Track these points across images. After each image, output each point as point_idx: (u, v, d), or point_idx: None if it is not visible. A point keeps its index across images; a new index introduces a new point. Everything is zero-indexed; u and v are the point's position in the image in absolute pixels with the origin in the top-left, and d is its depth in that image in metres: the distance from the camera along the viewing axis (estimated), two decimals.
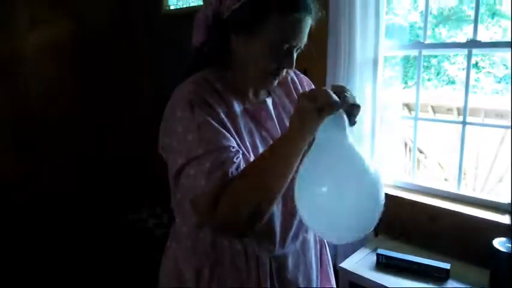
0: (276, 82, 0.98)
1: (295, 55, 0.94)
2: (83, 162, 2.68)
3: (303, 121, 0.81)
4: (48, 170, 2.54)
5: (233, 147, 0.88)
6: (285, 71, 0.97)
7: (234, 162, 0.86)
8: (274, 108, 1.06)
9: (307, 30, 0.92)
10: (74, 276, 2.35)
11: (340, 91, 0.82)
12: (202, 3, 2.43)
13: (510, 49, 1.61)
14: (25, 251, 2.38)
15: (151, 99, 2.84)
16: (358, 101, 0.86)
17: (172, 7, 2.68)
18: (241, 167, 0.87)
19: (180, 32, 2.61)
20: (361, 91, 1.84)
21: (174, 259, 1.07)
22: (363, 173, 0.79)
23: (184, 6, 2.61)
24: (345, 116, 0.81)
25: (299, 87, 1.14)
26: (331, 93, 0.79)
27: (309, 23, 0.92)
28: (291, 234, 1.03)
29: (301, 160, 0.84)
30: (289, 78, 1.13)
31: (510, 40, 1.60)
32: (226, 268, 0.99)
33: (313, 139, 0.83)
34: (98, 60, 2.69)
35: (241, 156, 0.89)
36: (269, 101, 1.05)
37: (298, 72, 1.17)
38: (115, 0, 2.74)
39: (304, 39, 0.93)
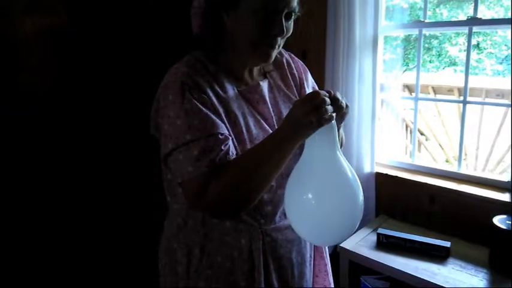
0: (272, 54, 0.97)
1: (286, 22, 0.92)
2: (85, 153, 2.68)
3: (296, 129, 0.83)
4: (51, 162, 2.55)
5: (221, 134, 0.89)
6: (280, 41, 0.95)
7: (222, 150, 0.88)
8: (269, 91, 1.06)
9: None
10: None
11: (334, 98, 0.84)
12: None
13: (511, 27, 1.60)
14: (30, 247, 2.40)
15: (150, 82, 2.83)
16: (347, 103, 0.89)
17: None
18: (230, 154, 0.89)
19: (177, 16, 2.59)
20: (360, 72, 1.83)
21: (168, 237, 1.09)
22: (347, 184, 0.85)
23: None
24: (335, 127, 0.85)
25: (294, 71, 1.14)
26: (328, 103, 0.81)
27: None
28: (282, 209, 1.03)
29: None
30: (284, 61, 1.13)
31: (511, 17, 1.59)
32: (216, 244, 1.00)
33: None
34: (96, 47, 2.67)
35: (230, 142, 0.90)
36: (264, 84, 1.05)
37: (293, 55, 1.17)
38: None
39: (292, 4, 0.92)
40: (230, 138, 0.91)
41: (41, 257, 2.39)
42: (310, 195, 0.83)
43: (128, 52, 2.78)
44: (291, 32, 0.96)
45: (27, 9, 2.41)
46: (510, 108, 1.68)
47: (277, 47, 0.96)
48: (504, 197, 1.63)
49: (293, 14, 0.94)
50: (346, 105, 0.89)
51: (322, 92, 0.82)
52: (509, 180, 1.68)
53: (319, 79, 1.81)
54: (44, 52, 2.51)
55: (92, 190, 2.54)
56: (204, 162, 0.86)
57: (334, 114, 0.82)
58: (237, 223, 0.99)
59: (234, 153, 0.91)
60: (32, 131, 2.48)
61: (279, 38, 0.94)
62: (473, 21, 1.69)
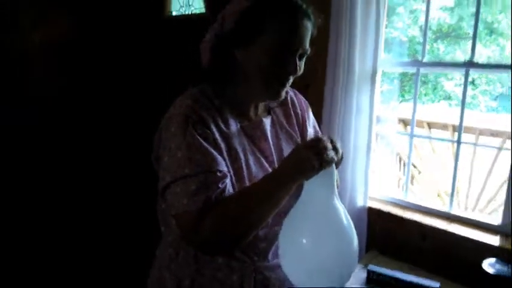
0: (283, 93, 0.99)
1: (299, 61, 0.95)
2: (90, 160, 2.68)
3: (298, 171, 0.85)
4: (54, 169, 2.53)
5: (220, 171, 0.90)
6: (291, 78, 0.98)
7: (219, 188, 0.88)
8: (272, 127, 1.07)
9: (307, 35, 0.94)
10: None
11: (334, 146, 0.88)
12: (204, 11, 2.45)
13: (509, 70, 1.63)
14: (36, 253, 2.37)
15: (152, 102, 2.85)
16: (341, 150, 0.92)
17: (175, 13, 2.69)
18: (227, 192, 0.90)
19: (182, 38, 2.62)
20: (358, 105, 1.84)
21: (158, 266, 1.08)
22: (342, 231, 0.86)
23: (187, 12, 2.61)
24: (335, 171, 0.87)
25: (298, 110, 1.15)
26: (330, 148, 0.85)
27: (308, 27, 0.94)
28: (276, 247, 1.03)
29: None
30: (289, 98, 1.14)
31: (510, 62, 1.62)
32: (207, 280, 1.00)
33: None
34: (100, 61, 2.69)
35: (227, 181, 0.91)
36: (267, 120, 1.06)
37: (297, 91, 1.18)
38: (118, 4, 2.74)
39: (306, 44, 0.94)
40: (228, 175, 0.92)
41: (44, 259, 2.35)
42: (304, 240, 0.83)
43: (132, 64, 2.81)
44: (302, 70, 0.98)
45: (35, 22, 2.44)
46: (510, 149, 1.69)
47: (287, 85, 0.98)
48: (495, 240, 1.63)
49: (305, 54, 0.96)
50: (342, 154, 0.92)
51: (325, 138, 0.86)
52: (500, 223, 1.68)
53: (318, 111, 1.82)
54: (50, 62, 2.53)
55: (95, 196, 2.54)
56: (200, 197, 0.86)
57: (335, 158, 0.85)
58: (229, 259, 0.99)
59: (231, 191, 0.91)
60: (37, 138, 2.47)
61: (291, 76, 0.96)
62: (471, 64, 1.72)
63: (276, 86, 0.97)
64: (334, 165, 0.86)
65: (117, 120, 2.79)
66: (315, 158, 0.83)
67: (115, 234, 2.66)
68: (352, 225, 0.88)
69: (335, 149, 0.88)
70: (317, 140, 0.86)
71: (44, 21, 2.46)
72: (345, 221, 0.86)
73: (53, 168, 2.55)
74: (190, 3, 2.57)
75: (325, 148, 0.84)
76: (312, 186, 0.86)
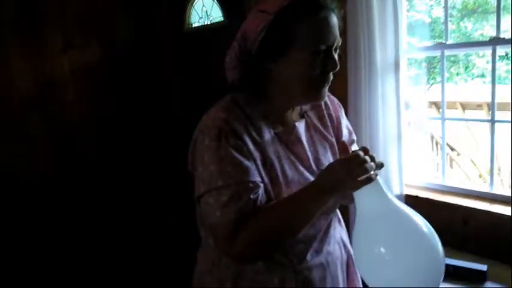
0: (326, 91, 1.00)
1: (335, 55, 0.96)
2: (120, 184, 2.77)
3: (337, 189, 0.85)
4: (88, 195, 2.64)
5: (253, 182, 0.92)
6: (331, 74, 0.97)
7: (251, 198, 0.90)
8: (306, 131, 1.08)
9: (336, 27, 0.95)
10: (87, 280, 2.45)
11: (371, 156, 0.85)
12: (223, 20, 2.50)
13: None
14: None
15: (179, 115, 2.92)
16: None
17: (195, 24, 2.75)
18: (259, 202, 0.91)
19: (203, 48, 2.69)
20: (383, 93, 1.83)
21: (200, 270, 1.12)
22: (418, 233, 0.81)
23: (206, 22, 2.67)
24: (380, 181, 0.84)
25: (331, 111, 1.15)
26: (368, 163, 0.82)
27: (335, 21, 0.94)
28: (314, 247, 1.04)
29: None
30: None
31: None
32: (248, 282, 1.02)
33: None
34: (127, 81, 2.79)
35: (260, 191, 0.93)
36: (300, 124, 1.07)
37: (329, 93, 1.18)
38: (140, 21, 2.83)
39: (338, 37, 0.95)
40: (261, 186, 0.94)
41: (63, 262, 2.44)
42: (382, 249, 0.79)
43: (158, 78, 2.89)
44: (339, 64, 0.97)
45: (65, 48, 2.56)
46: None
47: (329, 82, 0.98)
48: None
49: (338, 47, 0.97)
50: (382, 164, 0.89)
51: (361, 154, 0.84)
52: None
53: (342, 101, 1.82)
54: (79, 88, 2.65)
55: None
56: (231, 208, 0.89)
57: (373, 174, 0.83)
58: (268, 262, 1.00)
59: (264, 201, 0.93)
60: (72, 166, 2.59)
61: (331, 73, 0.97)
62: (496, 40, 1.68)
63: (318, 87, 0.97)
64: (376, 175, 0.84)
65: (146, 130, 2.87)
66: (350, 178, 0.82)
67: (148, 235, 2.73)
68: (433, 231, 0.83)
69: (371, 158, 0.86)
70: (352, 158, 0.84)
71: (72, 46, 2.57)
72: (422, 228, 0.81)
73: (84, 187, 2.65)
74: (208, 14, 2.63)
75: (361, 164, 0.82)
76: (361, 198, 0.84)
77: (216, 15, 2.58)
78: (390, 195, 0.85)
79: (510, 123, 1.64)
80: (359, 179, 0.82)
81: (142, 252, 2.70)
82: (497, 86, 1.76)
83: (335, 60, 0.95)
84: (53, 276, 2.43)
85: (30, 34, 2.42)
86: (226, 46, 1.07)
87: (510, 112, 1.71)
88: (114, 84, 2.75)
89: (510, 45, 1.65)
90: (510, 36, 1.63)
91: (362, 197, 0.84)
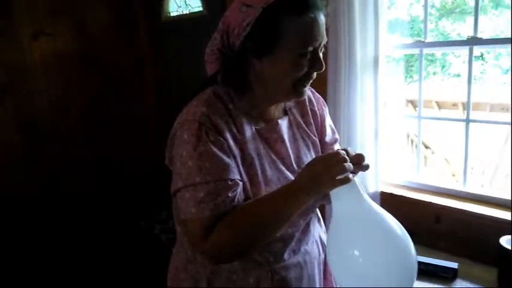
0: (307, 89, 0.98)
1: (321, 55, 0.93)
2: (95, 169, 2.71)
3: (314, 187, 0.83)
4: (60, 180, 2.57)
5: (231, 180, 0.89)
6: (315, 73, 0.96)
7: (228, 196, 0.87)
8: (289, 128, 1.05)
9: (324, 27, 0.92)
10: (80, 280, 2.40)
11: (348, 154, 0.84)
12: (202, 10, 2.45)
13: (511, 45, 1.61)
14: (35, 255, 2.42)
15: (155, 104, 2.87)
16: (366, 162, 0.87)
17: (174, 13, 2.69)
18: (237, 201, 0.89)
19: (181, 38, 2.63)
20: (362, 91, 1.83)
21: (176, 266, 1.09)
22: (391, 236, 0.80)
23: (185, 12, 2.62)
24: (357, 182, 0.83)
25: (315, 108, 1.13)
26: (348, 163, 0.81)
27: (323, 19, 0.91)
28: (292, 246, 1.03)
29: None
30: (306, 96, 1.10)
31: (511, 36, 1.59)
32: (223, 281, 1.00)
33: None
34: (101, 69, 2.71)
35: (239, 189, 0.90)
36: (283, 121, 1.05)
37: (314, 90, 1.16)
38: (115, 8, 2.75)
39: (324, 36, 0.92)
40: (240, 184, 0.91)
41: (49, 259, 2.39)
42: (356, 252, 0.78)
43: (134, 65, 2.83)
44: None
45: (36, 35, 2.47)
46: (510, 126, 1.67)
47: (311, 81, 0.96)
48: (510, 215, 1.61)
49: (323, 45, 0.94)
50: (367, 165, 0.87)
51: (342, 153, 0.82)
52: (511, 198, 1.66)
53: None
54: (50, 75, 2.56)
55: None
56: (208, 205, 0.86)
57: (351, 176, 0.81)
58: (245, 261, 0.98)
59: (242, 200, 0.91)
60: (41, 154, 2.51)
61: (315, 73, 0.95)
62: (474, 40, 1.70)
63: (300, 86, 0.95)
64: (354, 175, 0.83)
65: (122, 120, 2.82)
66: (328, 175, 0.81)
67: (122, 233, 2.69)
68: (406, 233, 0.82)
69: (356, 159, 0.85)
70: (332, 155, 0.83)
71: (42, 33, 2.49)
72: (396, 230, 0.81)
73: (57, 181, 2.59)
74: (187, 3, 2.58)
75: (340, 162, 0.81)
76: (338, 198, 0.83)
77: (195, 4, 2.53)
78: (366, 197, 0.84)
79: (510, 125, 1.65)
80: (337, 177, 0.80)
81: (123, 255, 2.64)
82: (472, 86, 1.78)
83: (321, 61, 0.93)
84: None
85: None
86: (206, 37, 1.02)
87: (510, 114, 1.73)
88: (87, 73, 2.67)
89: (487, 47, 1.67)
90: (488, 36, 1.64)
91: (338, 198, 0.83)
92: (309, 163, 0.87)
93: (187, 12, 2.59)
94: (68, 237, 2.55)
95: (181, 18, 2.63)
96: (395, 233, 0.81)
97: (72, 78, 2.62)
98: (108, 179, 2.74)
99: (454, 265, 1.56)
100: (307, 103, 1.12)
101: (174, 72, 2.73)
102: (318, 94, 1.17)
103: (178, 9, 2.65)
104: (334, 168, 0.80)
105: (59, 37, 2.55)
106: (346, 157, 0.82)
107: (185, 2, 2.58)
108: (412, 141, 3.45)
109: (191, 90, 1.01)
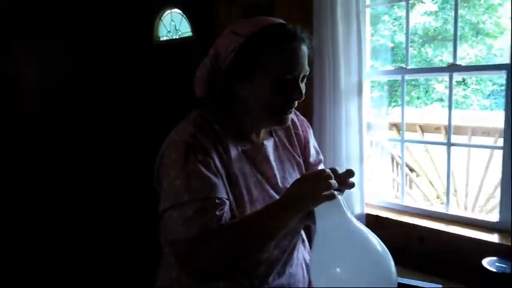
0: (289, 117, 1.00)
1: (302, 85, 0.96)
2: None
3: (300, 203, 0.84)
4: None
5: (219, 198, 0.90)
6: (296, 102, 0.98)
7: (216, 215, 0.89)
8: (274, 150, 1.08)
9: (305, 58, 0.95)
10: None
11: (337, 175, 0.86)
12: (191, 35, 2.50)
13: (491, 71, 1.67)
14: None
15: (144, 124, 2.89)
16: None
17: (165, 38, 2.74)
18: (224, 219, 0.90)
19: (171, 61, 2.67)
20: (347, 116, 1.88)
21: (160, 286, 1.09)
22: (372, 253, 0.82)
23: (174, 37, 2.67)
24: (341, 200, 0.85)
25: (299, 131, 1.16)
26: (332, 180, 0.83)
27: (304, 51, 0.94)
28: (277, 269, 1.04)
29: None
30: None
31: (491, 63, 1.66)
32: None
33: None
34: (91, 91, 2.73)
35: (226, 208, 0.92)
36: (269, 143, 1.07)
37: (298, 113, 1.19)
38: (107, 32, 2.79)
39: (305, 67, 0.95)
40: (227, 203, 0.93)
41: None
42: (338, 269, 0.80)
43: (125, 89, 2.85)
44: (304, 92, 0.98)
45: (30, 53, 2.49)
46: (502, 149, 1.72)
47: (292, 110, 0.99)
48: (493, 237, 1.65)
49: (306, 76, 0.97)
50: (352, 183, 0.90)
51: (327, 171, 0.85)
52: (498, 220, 1.70)
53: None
54: (44, 93, 2.58)
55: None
56: (196, 223, 0.87)
57: (336, 193, 0.83)
58: (230, 283, 0.99)
59: (228, 219, 0.92)
60: (33, 175, 2.49)
61: (296, 102, 0.97)
62: (454, 67, 1.76)
63: (281, 113, 0.98)
64: (339, 193, 0.85)
65: (113, 140, 2.82)
66: (313, 191, 0.83)
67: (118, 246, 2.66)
68: (387, 251, 0.84)
69: (342, 177, 0.87)
70: (318, 172, 0.85)
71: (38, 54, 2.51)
72: (376, 246, 0.83)
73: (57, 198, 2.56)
74: (177, 28, 2.63)
75: (325, 179, 0.83)
76: (322, 215, 0.85)
77: (185, 30, 2.58)
78: (349, 215, 0.86)
79: (502, 149, 1.69)
80: (322, 194, 0.82)
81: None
82: (453, 111, 1.84)
83: (300, 90, 0.95)
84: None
85: None
86: (194, 60, 1.06)
87: (494, 138, 1.78)
88: (79, 95, 2.69)
89: (467, 73, 1.73)
90: (468, 63, 1.71)
91: (322, 215, 0.85)
92: (295, 181, 0.88)
93: (177, 37, 2.64)
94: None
95: (171, 42, 2.68)
96: (376, 250, 0.82)
97: (66, 105, 2.65)
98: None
99: (438, 286, 1.57)
100: (292, 126, 1.15)
101: (165, 94, 2.77)
102: (302, 116, 1.20)
103: (168, 34, 2.70)
104: (319, 185, 0.82)
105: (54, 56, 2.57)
106: (331, 174, 0.84)
107: (175, 27, 2.64)
108: (397, 165, 3.50)
109: (180, 113, 1.04)
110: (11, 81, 2.44)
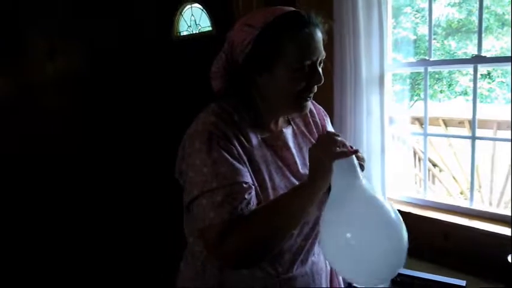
0: (309, 104, 1.03)
1: (319, 69, 0.97)
2: (103, 190, 2.74)
3: (321, 168, 0.86)
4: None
5: (246, 183, 0.91)
6: (315, 87, 0.99)
7: (245, 199, 0.90)
8: (293, 137, 1.09)
9: (321, 43, 0.96)
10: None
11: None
12: (211, 29, 2.51)
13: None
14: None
15: (164, 121, 2.91)
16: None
17: (185, 33, 2.76)
18: (252, 203, 0.91)
19: (191, 56, 2.69)
20: (368, 107, 1.85)
21: (183, 279, 1.10)
22: (384, 216, 0.81)
23: (194, 32, 2.68)
24: (355, 160, 0.85)
25: (317, 118, 1.17)
26: (339, 137, 0.87)
27: (319, 35, 0.96)
28: (301, 257, 1.04)
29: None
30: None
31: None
32: None
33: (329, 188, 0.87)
34: (112, 88, 2.77)
35: (253, 192, 0.93)
36: (288, 130, 1.09)
37: (315, 102, 1.19)
38: (127, 28, 2.82)
39: (322, 51, 0.97)
40: (253, 187, 0.94)
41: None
42: (348, 235, 0.79)
43: (146, 85, 2.88)
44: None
45: (50, 54, 2.54)
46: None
47: (312, 95, 1.00)
48: None
49: (322, 60, 0.99)
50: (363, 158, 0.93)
51: (332, 132, 0.89)
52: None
53: (328, 114, 1.84)
54: (63, 94, 2.62)
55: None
56: (226, 208, 0.88)
57: (346, 150, 0.86)
58: (254, 270, 0.99)
59: (255, 203, 0.93)
60: (51, 169, 2.55)
61: (315, 87, 0.99)
62: (478, 59, 1.72)
63: (302, 100, 0.99)
64: (353, 156, 0.85)
65: (132, 136, 2.86)
66: (326, 152, 0.86)
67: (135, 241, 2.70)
68: (401, 219, 0.83)
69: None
70: (323, 135, 0.90)
71: (56, 52, 2.56)
72: (390, 213, 0.82)
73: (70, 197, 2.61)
74: (197, 23, 2.64)
75: (332, 137, 0.88)
76: (336, 176, 0.85)
77: (205, 24, 2.59)
78: (364, 181, 0.85)
79: (510, 142, 1.66)
80: (336, 151, 0.85)
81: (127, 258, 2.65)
82: (478, 104, 1.80)
83: (320, 74, 0.97)
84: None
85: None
86: (214, 55, 1.07)
87: (510, 131, 1.73)
88: (99, 93, 2.73)
89: (491, 65, 1.69)
90: (493, 55, 1.66)
91: (336, 176, 0.85)
92: (309, 156, 0.91)
93: (197, 32, 2.65)
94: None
95: (191, 37, 2.69)
96: (388, 216, 0.81)
97: (82, 97, 2.69)
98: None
99: (462, 282, 1.54)
100: (309, 114, 1.16)
101: (184, 89, 2.78)
102: (318, 105, 1.21)
103: (188, 29, 2.71)
104: (330, 145, 0.86)
105: (72, 55, 2.62)
106: (337, 134, 0.89)
107: (195, 21, 2.65)
108: (419, 159, 3.45)
109: (199, 106, 1.05)
110: (28, 78, 2.49)
